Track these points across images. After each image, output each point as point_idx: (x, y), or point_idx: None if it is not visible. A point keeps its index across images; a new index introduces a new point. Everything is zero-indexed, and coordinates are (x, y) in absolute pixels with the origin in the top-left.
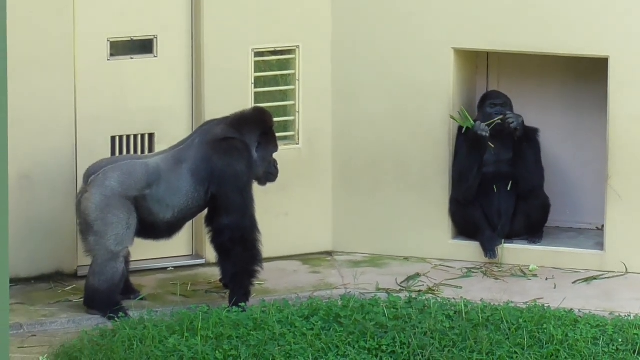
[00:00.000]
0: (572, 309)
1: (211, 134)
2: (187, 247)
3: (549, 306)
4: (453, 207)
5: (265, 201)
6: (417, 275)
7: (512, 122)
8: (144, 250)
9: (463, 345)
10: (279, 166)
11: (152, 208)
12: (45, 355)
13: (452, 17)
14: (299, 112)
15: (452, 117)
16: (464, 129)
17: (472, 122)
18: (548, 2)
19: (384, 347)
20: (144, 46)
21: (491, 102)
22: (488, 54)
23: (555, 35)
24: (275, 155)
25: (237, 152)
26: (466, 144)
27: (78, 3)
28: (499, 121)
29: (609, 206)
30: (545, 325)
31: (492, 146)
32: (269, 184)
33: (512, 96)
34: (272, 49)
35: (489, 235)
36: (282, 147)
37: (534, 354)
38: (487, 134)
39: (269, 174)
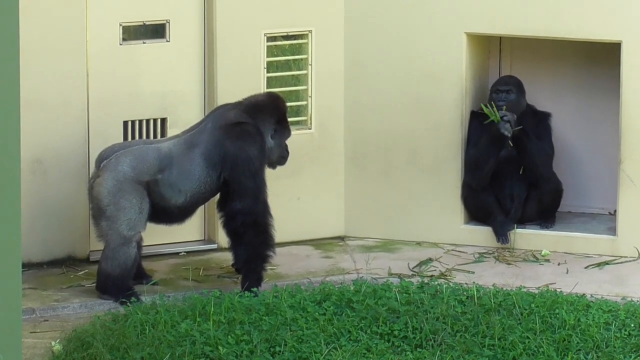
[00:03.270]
0: (584, 294)
1: (224, 118)
2: (199, 232)
3: (561, 291)
4: (465, 192)
5: (278, 186)
6: (430, 260)
7: (506, 119)
8: (156, 235)
9: (475, 330)
10: (290, 150)
11: (164, 193)
12: (58, 340)
13: (465, 2)
14: (311, 96)
15: (482, 106)
16: (486, 121)
17: (498, 117)
18: None
19: (396, 332)
20: (157, 31)
21: (497, 88)
22: (501, 39)
23: (568, 20)
24: (287, 140)
25: (250, 136)
26: (488, 136)
27: None
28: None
29: (621, 191)
30: (557, 310)
31: (512, 145)
32: (280, 168)
33: (524, 81)
34: (285, 34)
35: (501, 220)
36: (294, 131)
37: (546, 339)
38: (509, 134)
39: (281, 158)
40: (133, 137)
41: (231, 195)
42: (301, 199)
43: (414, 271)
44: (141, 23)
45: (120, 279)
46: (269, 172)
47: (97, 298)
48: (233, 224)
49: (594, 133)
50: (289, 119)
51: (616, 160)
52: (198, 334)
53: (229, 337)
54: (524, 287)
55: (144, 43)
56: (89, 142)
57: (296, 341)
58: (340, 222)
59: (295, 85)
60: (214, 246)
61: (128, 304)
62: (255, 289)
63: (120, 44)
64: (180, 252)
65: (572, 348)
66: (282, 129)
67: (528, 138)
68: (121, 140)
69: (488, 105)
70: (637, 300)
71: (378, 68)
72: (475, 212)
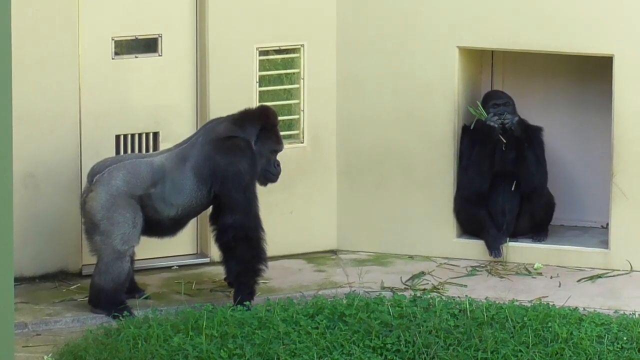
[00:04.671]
0: (576, 307)
1: (214, 132)
2: (191, 246)
3: (553, 304)
4: (458, 206)
5: (270, 200)
6: (422, 273)
7: (507, 121)
8: (148, 249)
9: (468, 343)
10: (282, 165)
11: (157, 206)
12: (50, 354)
13: (457, 15)
14: (303, 110)
15: (470, 108)
16: (472, 125)
17: (485, 114)
18: (553, 1)
19: (388, 346)
20: (149, 45)
21: (494, 103)
22: (493, 53)
23: (560, 33)
24: (280, 154)
25: (240, 150)
26: (479, 139)
27: (83, 2)
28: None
29: (613, 204)
30: (550, 324)
31: (505, 141)
32: (272, 184)
33: (516, 95)
34: (277, 48)
35: (493, 234)
36: (286, 145)
37: (538, 353)
38: (497, 125)
39: (268, 172)
40: (125, 151)
41: (222, 209)
42: (294, 213)
43: (406, 285)
44: (133, 37)
45: (113, 293)
46: (261, 187)
47: (90, 312)
48: (224, 238)
49: (586, 147)
50: (282, 133)
51: (608, 174)
52: (190, 348)
53: (222, 351)
54: (517, 301)
55: (136, 57)
56: (81, 156)
57: (289, 355)
58: (333, 236)
59: (288, 99)
60: (207, 260)
61: (120, 318)
62: (247, 303)
63: (113, 58)
64: (173, 266)
65: None
66: (265, 138)
67: (529, 145)
68: (113, 154)
69: (477, 105)
70: (630, 314)
71: (370, 82)
72: (468, 225)
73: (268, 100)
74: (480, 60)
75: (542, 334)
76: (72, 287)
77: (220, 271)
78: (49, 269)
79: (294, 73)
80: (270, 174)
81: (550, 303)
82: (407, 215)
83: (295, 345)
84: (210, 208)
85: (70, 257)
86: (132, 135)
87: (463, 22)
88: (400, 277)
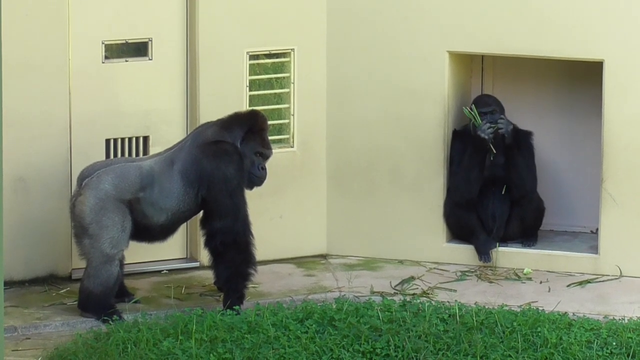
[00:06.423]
0: (566, 313)
1: (202, 136)
2: (181, 250)
3: (543, 310)
4: (448, 211)
5: (260, 204)
6: (412, 278)
7: (502, 129)
8: (138, 253)
9: (457, 348)
10: (272, 170)
11: (146, 211)
12: (40, 358)
13: (447, 20)
14: (293, 115)
15: (464, 108)
16: (464, 128)
17: (479, 121)
18: (543, 6)
19: (378, 351)
20: (139, 49)
21: (480, 111)
22: (483, 57)
23: (551, 39)
24: (270, 159)
25: (227, 155)
26: (470, 146)
27: (73, 6)
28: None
29: (603, 210)
30: (539, 329)
31: (495, 151)
32: (262, 186)
33: (506, 99)
34: (267, 52)
35: (483, 239)
36: (276, 150)
37: (528, 358)
38: (487, 137)
39: (252, 175)
40: (115, 155)
41: (210, 214)
42: (283, 217)
43: (396, 289)
44: (123, 41)
45: (102, 297)
46: (252, 191)
47: (79, 316)
48: (213, 242)
49: (576, 152)
50: (272, 137)
51: (598, 179)
52: (180, 352)
53: (211, 355)
54: (506, 306)
55: (126, 61)
56: (71, 160)
57: (278, 359)
58: (323, 240)
59: (278, 104)
60: (196, 264)
61: (110, 322)
62: (237, 307)
63: (103, 62)
64: (163, 270)
65: None
66: (249, 140)
67: (519, 150)
68: (103, 158)
69: (471, 109)
70: (619, 319)
71: (360, 86)
72: (458, 230)
73: (258, 104)
74: (470, 65)
75: (531, 339)
76: (62, 291)
77: (209, 275)
78: (38, 272)
79: (284, 77)
80: (255, 176)
81: (540, 308)
82: (397, 220)
83: (284, 350)
84: (202, 213)
85: (59, 261)
86: (122, 140)
87: (453, 27)
88: (390, 282)
